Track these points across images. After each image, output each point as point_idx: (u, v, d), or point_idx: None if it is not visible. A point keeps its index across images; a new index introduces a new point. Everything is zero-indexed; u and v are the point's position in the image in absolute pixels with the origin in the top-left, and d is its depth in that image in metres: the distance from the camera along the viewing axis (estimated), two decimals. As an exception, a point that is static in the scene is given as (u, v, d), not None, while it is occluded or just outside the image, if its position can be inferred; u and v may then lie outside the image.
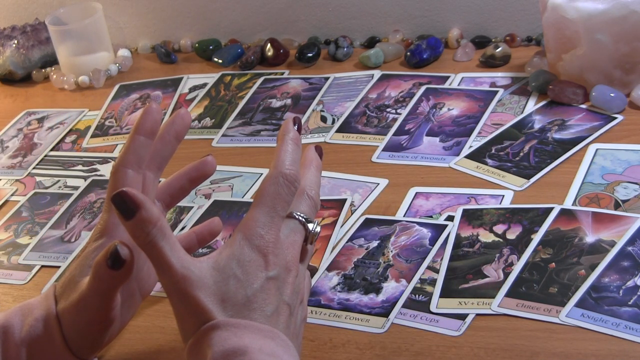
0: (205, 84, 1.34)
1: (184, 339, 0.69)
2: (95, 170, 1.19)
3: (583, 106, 1.10)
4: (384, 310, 0.86)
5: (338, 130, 1.16)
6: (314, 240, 0.74)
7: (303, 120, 1.19)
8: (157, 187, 0.82)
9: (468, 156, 1.06)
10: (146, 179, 0.79)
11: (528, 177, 1.00)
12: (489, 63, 1.24)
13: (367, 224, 0.98)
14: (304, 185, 0.75)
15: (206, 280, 0.68)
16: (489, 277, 0.87)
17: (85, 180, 1.16)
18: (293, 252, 0.72)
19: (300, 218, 0.73)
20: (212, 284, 0.68)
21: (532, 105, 1.13)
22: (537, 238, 0.90)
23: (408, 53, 1.28)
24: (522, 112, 1.12)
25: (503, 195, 0.98)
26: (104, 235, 0.77)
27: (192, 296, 0.68)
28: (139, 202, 0.67)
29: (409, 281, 0.88)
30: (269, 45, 1.36)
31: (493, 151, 1.06)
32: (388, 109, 1.18)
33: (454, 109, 1.15)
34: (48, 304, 0.75)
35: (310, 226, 0.73)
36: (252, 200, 1.05)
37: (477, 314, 0.83)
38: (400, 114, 1.17)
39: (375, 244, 0.94)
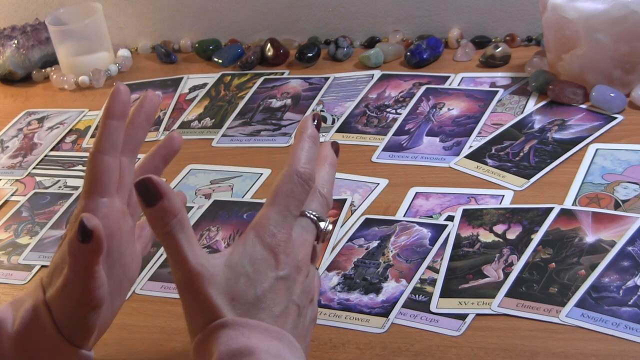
0: (205, 84, 1.34)
1: (191, 334, 0.69)
2: (95, 170, 1.19)
3: (583, 106, 1.10)
4: (384, 310, 0.85)
5: (338, 130, 1.16)
6: (325, 239, 0.74)
7: (303, 120, 1.19)
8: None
9: (468, 156, 1.06)
10: (122, 165, 0.78)
11: (528, 177, 1.00)
12: (489, 63, 1.24)
13: (367, 224, 0.98)
14: (316, 182, 0.73)
15: (218, 278, 0.68)
16: (489, 277, 0.87)
17: (85, 180, 1.16)
18: (305, 251, 0.71)
19: (312, 216, 0.72)
20: (223, 281, 0.68)
21: (532, 105, 1.13)
22: (537, 238, 0.90)
23: (408, 53, 1.28)
24: (522, 112, 1.12)
25: (503, 195, 0.98)
26: None
27: (204, 293, 0.67)
28: (163, 192, 0.67)
29: (409, 281, 0.88)
30: (269, 45, 1.36)
31: (493, 151, 1.06)
32: (388, 109, 1.18)
33: (454, 109, 1.15)
34: (37, 294, 0.75)
35: (322, 225, 0.73)
36: (252, 200, 1.06)
37: (477, 314, 0.83)
38: (400, 114, 1.16)
39: (375, 244, 0.94)
